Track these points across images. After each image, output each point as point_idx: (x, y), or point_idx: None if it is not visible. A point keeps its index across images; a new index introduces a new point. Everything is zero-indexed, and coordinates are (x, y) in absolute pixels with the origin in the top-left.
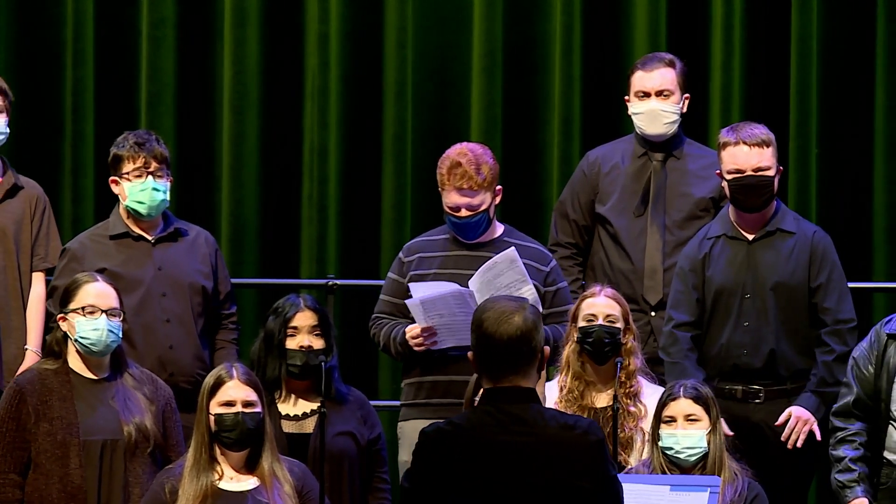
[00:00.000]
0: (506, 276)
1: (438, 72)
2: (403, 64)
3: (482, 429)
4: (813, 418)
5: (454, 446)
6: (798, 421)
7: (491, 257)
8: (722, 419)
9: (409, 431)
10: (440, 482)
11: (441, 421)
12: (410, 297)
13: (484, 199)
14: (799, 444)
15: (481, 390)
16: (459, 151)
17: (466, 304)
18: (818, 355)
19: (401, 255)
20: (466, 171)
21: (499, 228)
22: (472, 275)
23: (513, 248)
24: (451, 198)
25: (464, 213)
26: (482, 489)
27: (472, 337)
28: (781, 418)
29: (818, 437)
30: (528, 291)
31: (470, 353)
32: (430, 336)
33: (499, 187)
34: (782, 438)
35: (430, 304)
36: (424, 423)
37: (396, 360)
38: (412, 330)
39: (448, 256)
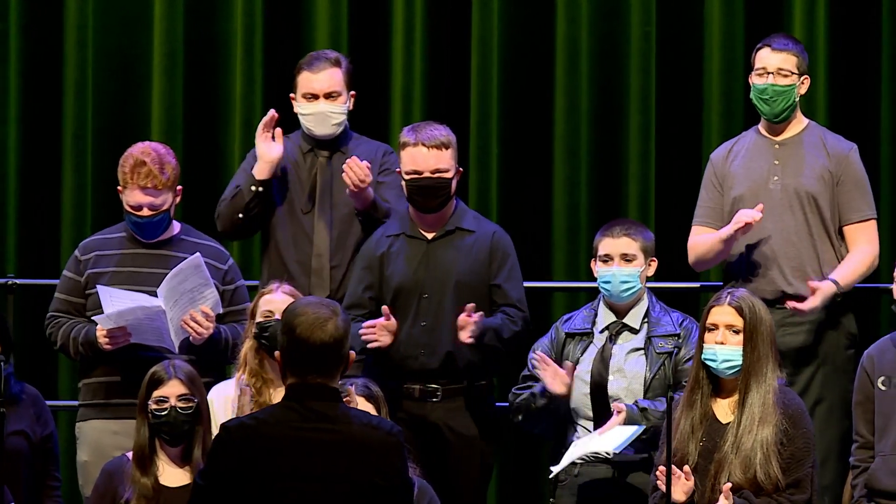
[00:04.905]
0: (190, 281)
1: (119, 71)
2: (84, 63)
3: (286, 424)
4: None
5: (257, 440)
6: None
7: (168, 255)
8: None
9: (88, 431)
10: (241, 476)
11: (244, 416)
12: (100, 308)
13: (166, 199)
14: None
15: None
16: (143, 150)
17: (157, 317)
18: (499, 313)
19: (77, 253)
20: (151, 171)
21: (176, 226)
22: (151, 273)
23: (198, 254)
24: (133, 197)
25: (146, 212)
26: (283, 484)
27: (282, 339)
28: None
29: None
30: (211, 294)
31: (277, 354)
32: (122, 335)
33: (179, 187)
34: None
35: (118, 318)
36: (103, 424)
37: (74, 359)
38: (102, 330)
39: (125, 254)
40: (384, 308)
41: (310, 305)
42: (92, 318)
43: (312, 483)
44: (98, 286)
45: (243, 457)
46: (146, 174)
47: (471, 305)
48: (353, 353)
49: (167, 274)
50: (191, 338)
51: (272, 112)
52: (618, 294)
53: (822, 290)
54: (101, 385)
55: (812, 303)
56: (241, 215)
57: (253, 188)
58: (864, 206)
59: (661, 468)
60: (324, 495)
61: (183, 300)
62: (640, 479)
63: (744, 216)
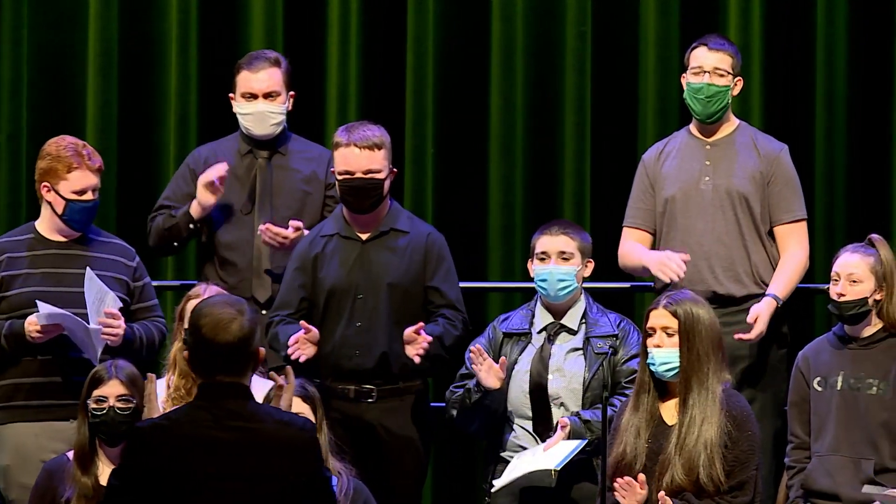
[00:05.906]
0: (93, 295)
1: (54, 70)
2: (18, 62)
3: (199, 423)
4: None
5: (171, 441)
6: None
7: (80, 254)
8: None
9: (9, 435)
10: (155, 477)
11: (156, 417)
12: (18, 312)
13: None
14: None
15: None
16: (71, 139)
17: (91, 333)
18: (439, 317)
19: None
20: (93, 155)
21: None
22: (65, 273)
23: (87, 267)
24: (83, 180)
25: (90, 195)
26: (198, 483)
27: (189, 339)
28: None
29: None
30: (107, 297)
31: (185, 353)
32: (55, 328)
33: None
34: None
35: (54, 318)
36: (26, 427)
37: None
38: (34, 324)
39: (37, 255)
40: (301, 322)
41: (215, 306)
42: (30, 315)
43: (228, 482)
44: (38, 302)
45: (157, 457)
46: (92, 155)
47: (420, 325)
48: (261, 349)
49: (80, 273)
50: (109, 342)
51: (224, 166)
52: (554, 293)
53: (763, 312)
54: (21, 386)
55: (758, 329)
56: (175, 244)
57: (191, 226)
58: (795, 207)
59: (623, 480)
60: (240, 493)
61: (94, 313)
62: (579, 485)
63: (670, 271)
